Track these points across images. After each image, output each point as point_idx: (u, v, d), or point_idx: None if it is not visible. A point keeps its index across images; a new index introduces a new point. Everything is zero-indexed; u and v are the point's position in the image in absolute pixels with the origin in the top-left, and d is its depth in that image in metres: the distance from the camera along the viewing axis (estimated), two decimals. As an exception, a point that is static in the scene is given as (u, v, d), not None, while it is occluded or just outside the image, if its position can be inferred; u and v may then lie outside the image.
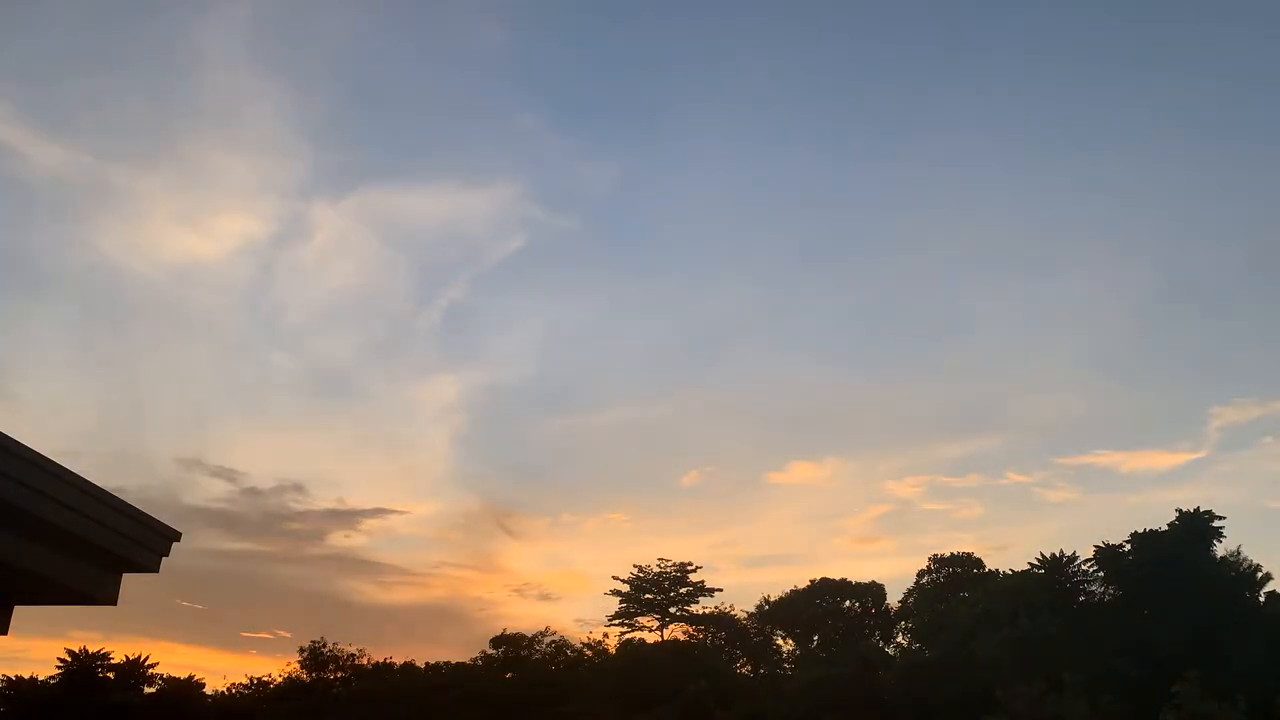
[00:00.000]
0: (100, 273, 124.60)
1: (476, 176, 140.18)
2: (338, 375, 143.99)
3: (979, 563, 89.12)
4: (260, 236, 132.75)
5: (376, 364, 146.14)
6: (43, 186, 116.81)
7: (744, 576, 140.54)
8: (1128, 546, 66.95)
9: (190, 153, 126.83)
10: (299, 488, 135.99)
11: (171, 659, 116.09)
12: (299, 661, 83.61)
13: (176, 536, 5.61)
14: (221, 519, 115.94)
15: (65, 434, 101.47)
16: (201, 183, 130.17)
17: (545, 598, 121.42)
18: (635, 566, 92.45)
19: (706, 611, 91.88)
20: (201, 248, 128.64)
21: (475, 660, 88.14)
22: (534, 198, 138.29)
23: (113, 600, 5.53)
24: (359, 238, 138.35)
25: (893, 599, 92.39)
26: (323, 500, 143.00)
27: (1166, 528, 65.93)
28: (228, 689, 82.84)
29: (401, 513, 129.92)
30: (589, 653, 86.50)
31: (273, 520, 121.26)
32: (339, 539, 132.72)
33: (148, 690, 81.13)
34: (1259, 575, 66.97)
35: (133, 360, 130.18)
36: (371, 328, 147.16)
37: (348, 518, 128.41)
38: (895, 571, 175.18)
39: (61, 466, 4.82)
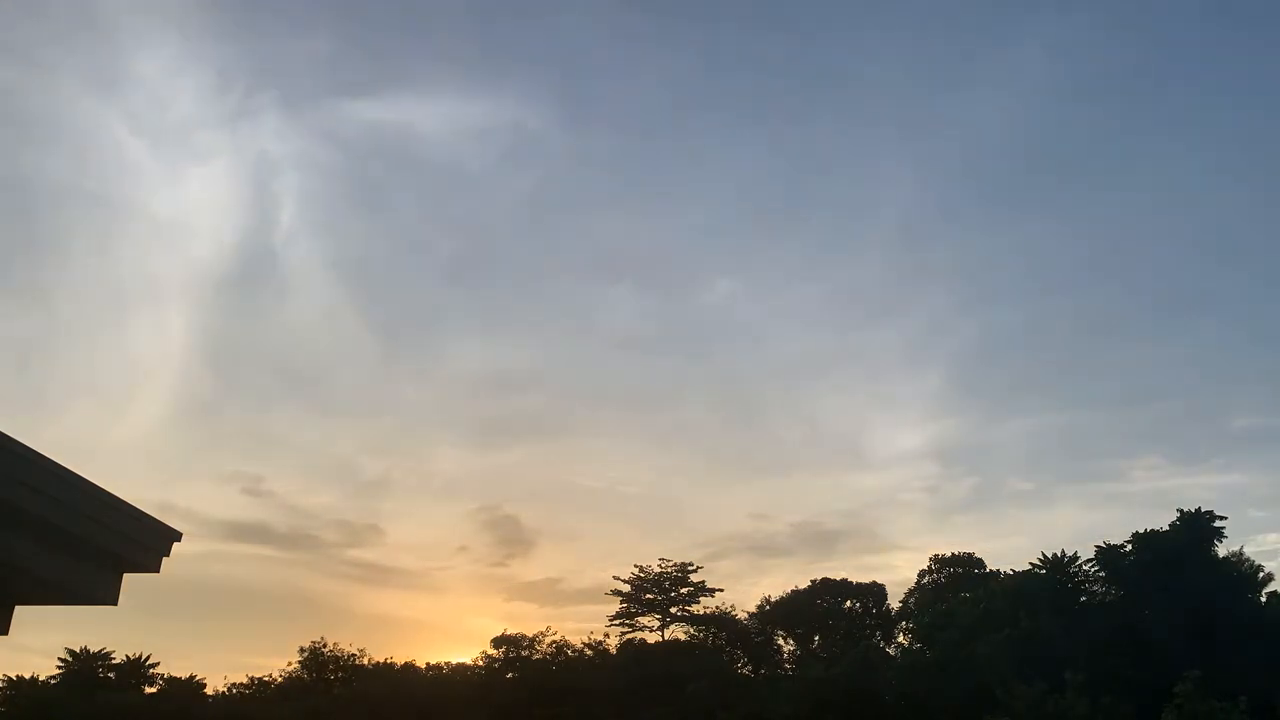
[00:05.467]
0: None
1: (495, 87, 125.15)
2: (340, 370, 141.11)
3: (980, 563, 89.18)
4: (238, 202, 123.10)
5: (382, 352, 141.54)
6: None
7: (745, 575, 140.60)
8: (1128, 547, 66.94)
9: (143, 72, 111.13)
10: (302, 491, 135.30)
11: (177, 661, 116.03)
12: (299, 662, 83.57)
13: (177, 536, 5.60)
14: (224, 522, 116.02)
15: (64, 433, 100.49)
16: (155, 106, 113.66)
17: (551, 598, 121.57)
18: (636, 567, 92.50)
19: (707, 612, 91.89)
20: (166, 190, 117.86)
21: (476, 660, 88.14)
22: (551, 116, 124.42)
23: (113, 600, 5.52)
24: (359, 181, 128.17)
25: (894, 600, 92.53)
26: (326, 505, 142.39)
27: (1167, 528, 65.91)
28: (228, 689, 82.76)
29: (407, 515, 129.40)
30: (589, 653, 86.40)
31: (271, 522, 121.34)
32: (346, 545, 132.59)
33: (148, 690, 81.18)
34: (1260, 575, 67.04)
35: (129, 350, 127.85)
36: (373, 311, 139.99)
37: (353, 527, 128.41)
38: (895, 573, 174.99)
39: (62, 466, 4.82)
